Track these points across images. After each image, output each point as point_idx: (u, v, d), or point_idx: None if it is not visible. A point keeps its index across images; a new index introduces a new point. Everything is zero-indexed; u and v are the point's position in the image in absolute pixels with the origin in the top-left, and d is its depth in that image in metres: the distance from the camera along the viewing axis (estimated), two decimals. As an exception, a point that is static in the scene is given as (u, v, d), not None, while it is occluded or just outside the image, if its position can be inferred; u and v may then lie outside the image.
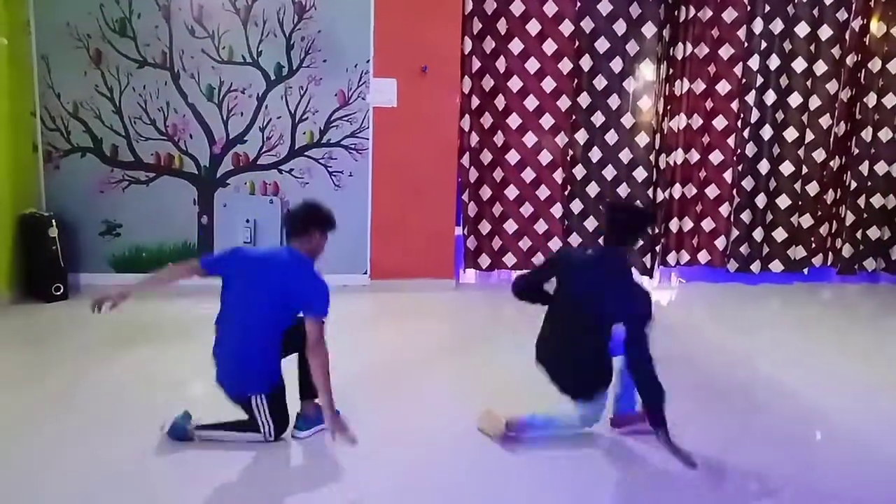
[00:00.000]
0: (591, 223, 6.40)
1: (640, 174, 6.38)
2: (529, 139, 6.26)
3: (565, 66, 6.18)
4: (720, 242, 6.67)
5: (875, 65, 6.46)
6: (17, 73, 5.36)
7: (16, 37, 5.32)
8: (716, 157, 6.53)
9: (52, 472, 2.80)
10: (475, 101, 6.09)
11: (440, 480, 2.86)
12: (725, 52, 6.34)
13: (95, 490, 2.68)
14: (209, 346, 3.10)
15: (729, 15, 6.27)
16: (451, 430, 3.28)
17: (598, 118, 6.28)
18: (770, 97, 6.35)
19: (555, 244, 6.41)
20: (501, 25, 6.05)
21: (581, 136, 6.29)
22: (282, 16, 5.63)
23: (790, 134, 6.47)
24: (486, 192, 6.27)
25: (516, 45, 6.09)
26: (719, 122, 6.47)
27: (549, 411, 3.12)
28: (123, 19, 5.49)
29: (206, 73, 5.65)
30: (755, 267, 6.62)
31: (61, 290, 5.36)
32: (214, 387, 3.03)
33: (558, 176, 6.35)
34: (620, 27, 6.14)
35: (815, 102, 6.47)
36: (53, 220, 5.36)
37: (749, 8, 6.24)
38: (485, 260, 6.39)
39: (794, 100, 6.41)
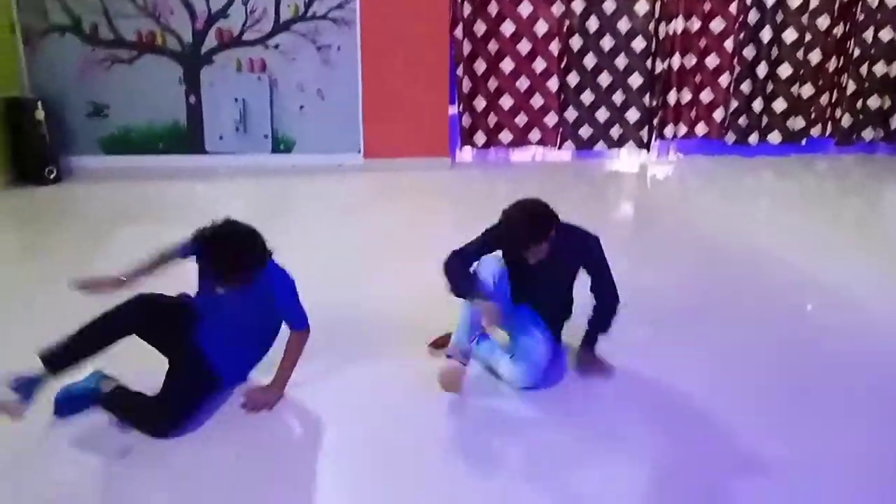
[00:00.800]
0: (587, 96, 6.28)
1: (638, 44, 6.19)
2: (524, 8, 6.02)
3: (562, -73, 5.86)
4: (718, 114, 6.56)
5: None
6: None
7: None
8: (717, 24, 6.31)
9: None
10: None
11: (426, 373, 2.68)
12: None
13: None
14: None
15: None
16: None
17: (596, -15, 6.02)
18: (776, -41, 6.07)
19: (551, 119, 6.33)
20: None
21: (577, 5, 6.04)
22: None
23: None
24: (480, 67, 6.11)
25: None
26: (722, -12, 6.22)
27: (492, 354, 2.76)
28: None
29: (183, -58, 5.37)
30: (753, 139, 6.56)
31: (54, 173, 5.32)
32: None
33: (554, 48, 6.16)
34: None
35: (821, -36, 6.19)
36: (39, 103, 5.25)
37: None
38: (480, 137, 6.31)
39: (800, -39, 6.14)
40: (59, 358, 2.35)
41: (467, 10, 5.90)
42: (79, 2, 5.39)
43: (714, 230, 4.63)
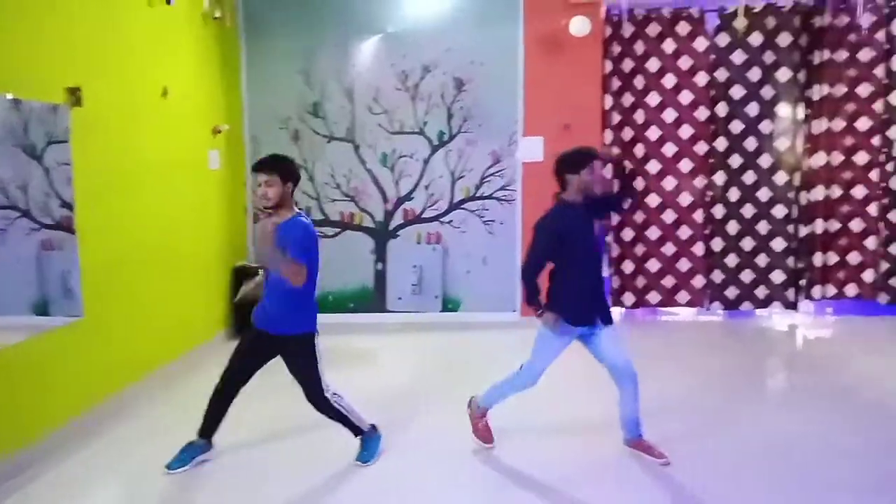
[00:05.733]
0: (731, 259, 6.70)
1: (779, 211, 6.63)
2: (669, 183, 6.71)
3: (701, 114, 6.59)
4: (868, 275, 6.69)
5: None
6: (232, 151, 6.63)
7: (233, 121, 6.59)
8: (859, 191, 6.61)
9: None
10: (615, 151, 6.63)
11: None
12: (864, 90, 6.47)
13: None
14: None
15: (865, 55, 6.43)
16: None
17: (735, 160, 6.62)
18: (913, 130, 6.41)
19: (698, 281, 6.77)
20: (639, 81, 6.61)
21: (719, 177, 6.64)
22: (444, 91, 6.54)
23: (937, 166, 6.47)
24: (627, 234, 6.77)
25: (653, 98, 6.61)
26: (861, 158, 6.57)
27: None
28: (316, 103, 6.64)
29: (382, 144, 6.65)
30: (909, 299, 6.59)
31: (268, 328, 6.44)
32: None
33: (698, 216, 6.72)
34: (755, 74, 6.49)
35: (960, 133, 6.43)
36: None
37: (888, 47, 6.38)
38: (629, 298, 6.85)
39: (939, 131, 6.42)
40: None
41: (615, 186, 6.67)
42: (298, 191, 6.73)
43: (878, 390, 4.73)
